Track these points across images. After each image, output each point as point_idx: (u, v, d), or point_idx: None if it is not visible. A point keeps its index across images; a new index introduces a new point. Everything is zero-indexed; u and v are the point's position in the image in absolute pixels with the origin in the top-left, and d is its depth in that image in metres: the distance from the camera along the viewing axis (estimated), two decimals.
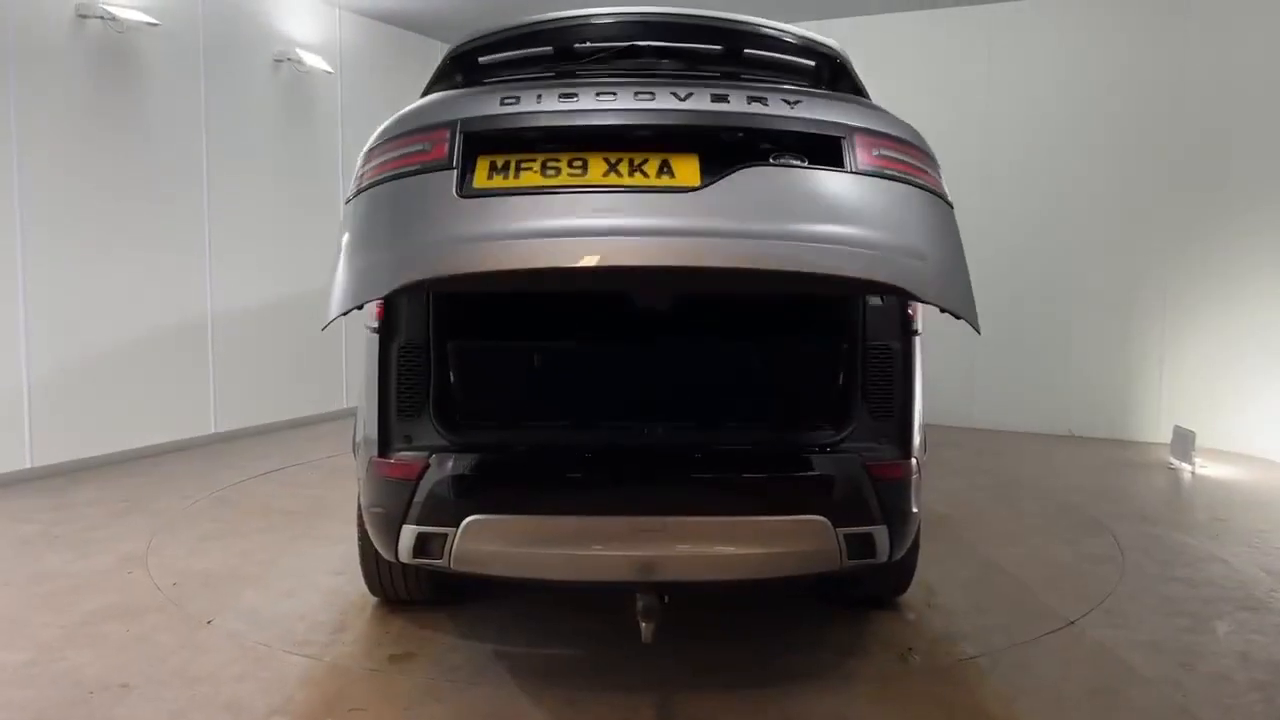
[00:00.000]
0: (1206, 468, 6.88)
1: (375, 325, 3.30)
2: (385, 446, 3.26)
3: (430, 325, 3.27)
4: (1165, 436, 7.49)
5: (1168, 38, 7.65)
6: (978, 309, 2.68)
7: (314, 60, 8.22)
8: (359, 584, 4.10)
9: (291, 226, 8.24)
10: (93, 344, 6.66)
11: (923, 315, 3.38)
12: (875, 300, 3.31)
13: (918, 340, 3.36)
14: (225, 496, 6.02)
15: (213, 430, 7.57)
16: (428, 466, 3.16)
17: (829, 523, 3.11)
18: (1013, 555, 4.95)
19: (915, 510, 3.37)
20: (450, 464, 3.16)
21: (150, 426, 7.07)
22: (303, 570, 4.65)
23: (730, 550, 3.13)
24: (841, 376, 3.38)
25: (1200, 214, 7.59)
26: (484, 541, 3.12)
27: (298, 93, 8.31)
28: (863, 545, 3.19)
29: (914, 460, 3.33)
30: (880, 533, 3.21)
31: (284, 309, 8.13)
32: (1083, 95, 7.97)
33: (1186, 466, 6.89)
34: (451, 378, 3.34)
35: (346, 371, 8.66)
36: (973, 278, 2.75)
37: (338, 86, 8.68)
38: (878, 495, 3.20)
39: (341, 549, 4.64)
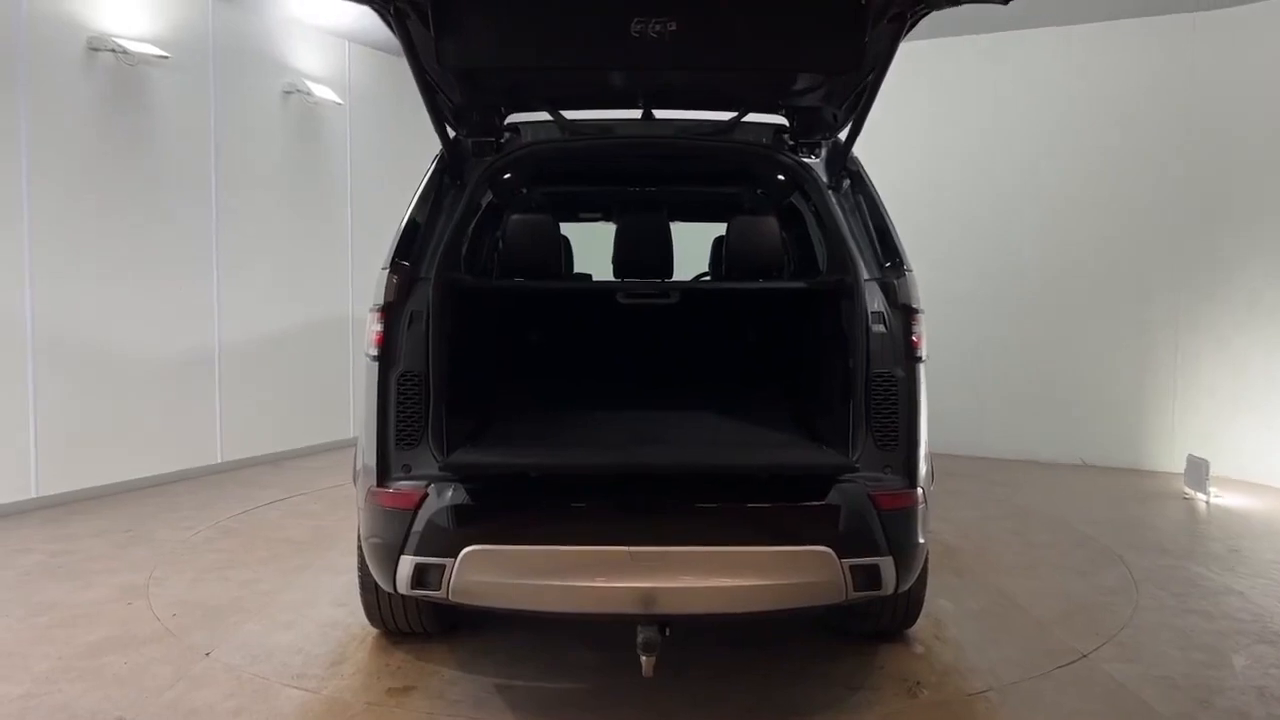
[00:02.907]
0: (1222, 497, 6.77)
1: (374, 353, 3.28)
2: (384, 476, 3.23)
3: (429, 354, 3.24)
4: (1179, 466, 7.39)
5: (1175, 59, 7.64)
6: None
7: (323, 92, 8.28)
8: (360, 616, 4.06)
9: (300, 256, 8.27)
10: (99, 372, 6.66)
11: (927, 343, 3.34)
12: (879, 327, 3.27)
13: (922, 368, 3.32)
14: (229, 526, 5.99)
15: (219, 460, 7.55)
16: (426, 496, 3.13)
17: (834, 554, 3.06)
18: (1024, 587, 4.86)
19: (922, 541, 3.31)
20: (449, 494, 3.13)
21: (156, 456, 7.05)
22: (304, 601, 4.60)
23: (732, 582, 3.07)
24: (845, 405, 3.33)
25: (1212, 238, 7.54)
26: (482, 572, 3.07)
27: (307, 124, 8.36)
28: (869, 577, 3.13)
29: (920, 490, 3.28)
30: (886, 564, 3.15)
31: (291, 338, 8.15)
32: (1091, 119, 7.96)
33: (1201, 496, 6.79)
34: (449, 407, 3.31)
35: (354, 399, 8.65)
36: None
37: (347, 118, 8.73)
38: (884, 526, 3.15)
39: (343, 580, 4.59)
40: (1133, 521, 6.30)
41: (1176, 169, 7.65)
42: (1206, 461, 6.85)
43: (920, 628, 4.11)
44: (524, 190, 4.89)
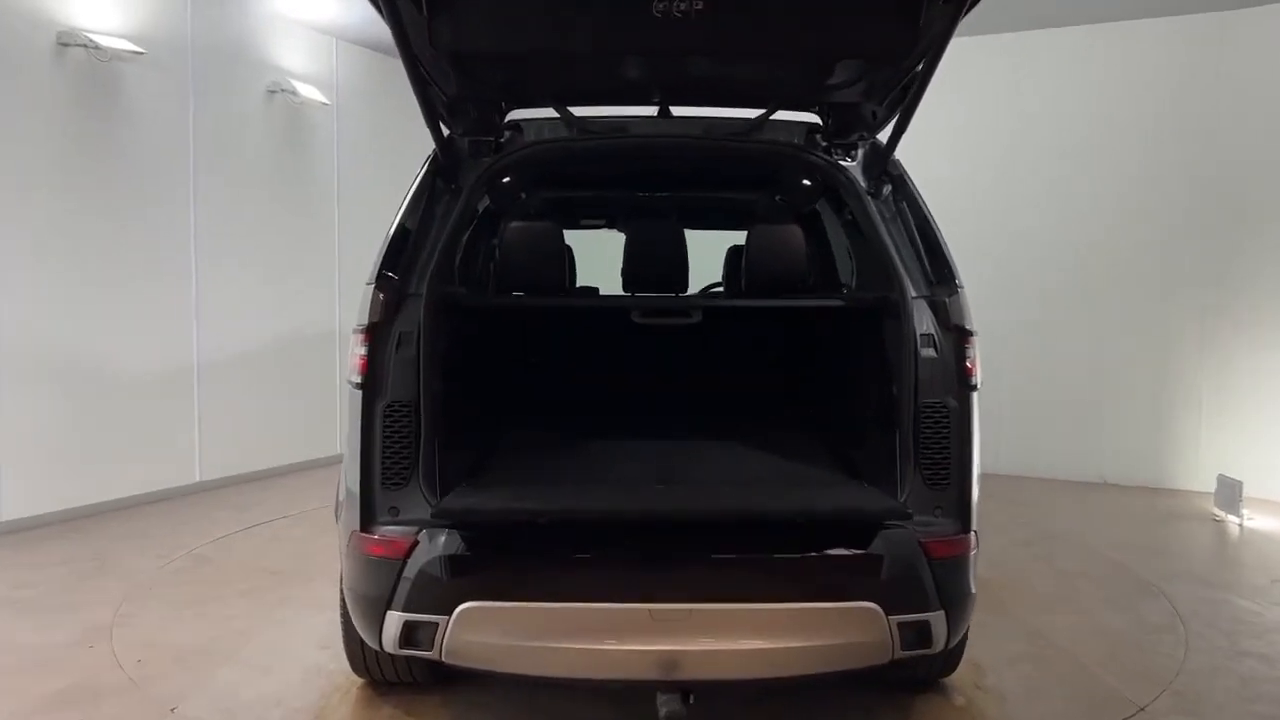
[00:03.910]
0: (1254, 519, 6.45)
1: (358, 380, 2.91)
2: (368, 520, 2.86)
3: (420, 381, 2.87)
4: (1205, 484, 7.09)
5: (1201, 66, 7.31)
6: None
7: (309, 91, 7.90)
8: (344, 661, 3.67)
9: (285, 264, 7.88)
10: (68, 387, 6.27)
11: (981, 369, 2.98)
12: (929, 351, 2.91)
13: (976, 397, 2.96)
14: (205, 554, 5.60)
15: (197, 479, 7.16)
16: (416, 544, 2.76)
17: (880, 610, 2.69)
18: (1063, 625, 4.51)
19: (974, 591, 2.96)
20: (442, 541, 2.76)
21: (130, 476, 6.66)
22: (283, 643, 4.22)
23: (765, 644, 2.71)
24: (889, 438, 2.97)
25: (1240, 244, 7.23)
26: (480, 632, 2.71)
27: (292, 125, 7.98)
28: (918, 634, 2.78)
29: (974, 534, 2.92)
30: (938, 620, 2.80)
31: (276, 349, 7.75)
32: (1114, 122, 7.63)
33: (1233, 518, 6.46)
34: (443, 441, 2.93)
35: (341, 414, 8.25)
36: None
37: (334, 118, 8.35)
38: (935, 577, 2.79)
39: (328, 616, 4.20)
40: (1165, 547, 5.97)
41: (1203, 172, 7.32)
42: (1239, 482, 6.52)
43: (959, 675, 3.76)
44: (524, 195, 4.51)
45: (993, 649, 4.12)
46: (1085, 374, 7.79)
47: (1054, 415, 7.87)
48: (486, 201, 4.13)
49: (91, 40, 6.16)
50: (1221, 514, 6.58)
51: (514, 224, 3.79)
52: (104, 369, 6.48)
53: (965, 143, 7.99)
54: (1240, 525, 6.37)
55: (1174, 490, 7.42)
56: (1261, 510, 6.64)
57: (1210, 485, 6.93)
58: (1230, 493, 6.54)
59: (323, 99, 8.07)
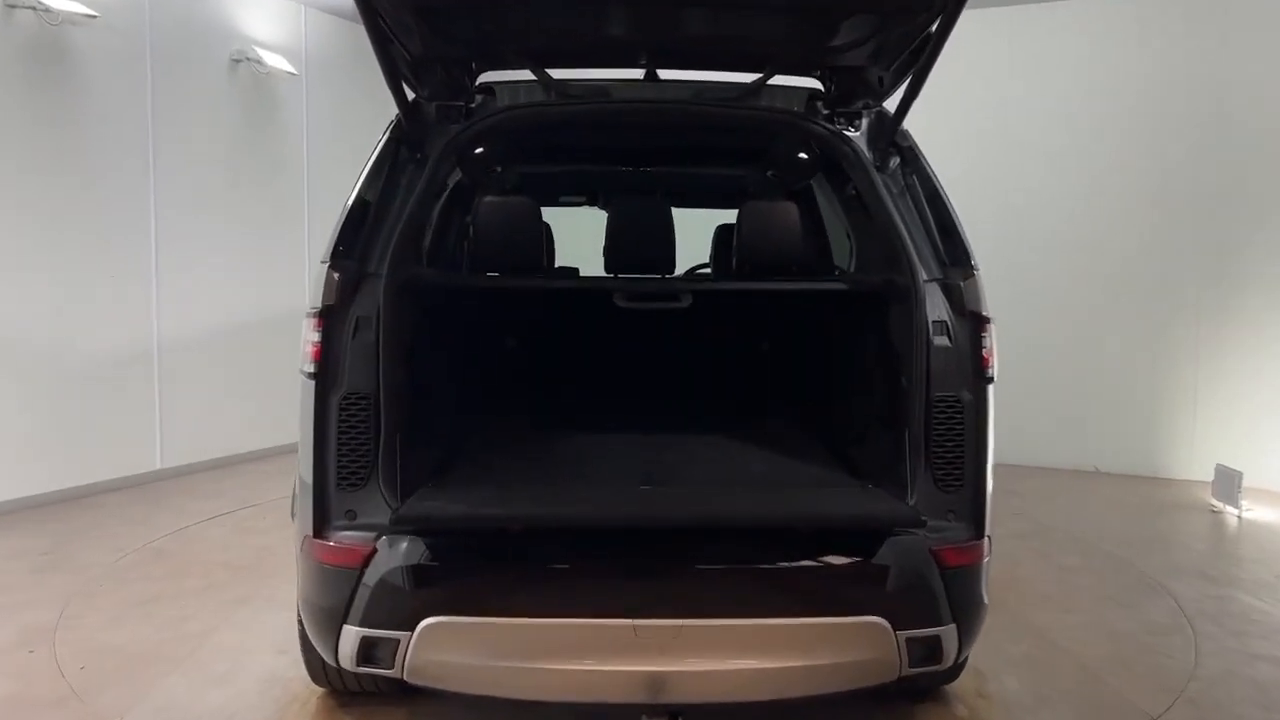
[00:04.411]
0: (1253, 510, 6.27)
1: (311, 369, 2.62)
2: (321, 524, 2.58)
3: (380, 371, 2.58)
4: (1199, 473, 6.92)
5: (1203, 41, 7.07)
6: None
7: (276, 61, 7.53)
8: (304, 668, 3.40)
9: (251, 242, 7.52)
10: (19, 371, 5.93)
11: (998, 360, 2.73)
12: (942, 339, 2.66)
13: (992, 390, 2.71)
14: (162, 547, 5.30)
15: (158, 466, 6.84)
16: (374, 552, 2.49)
17: (888, 625, 2.45)
18: (1065, 625, 4.30)
19: (987, 601, 2.72)
20: (404, 549, 2.48)
21: (87, 463, 6.33)
22: (240, 647, 3.95)
23: (761, 663, 2.46)
24: (897, 434, 2.72)
25: (1238, 231, 7.01)
26: (446, 650, 2.45)
27: (258, 96, 7.61)
28: (927, 650, 2.55)
29: (987, 539, 2.68)
30: (949, 634, 2.57)
31: (241, 331, 7.41)
32: (1110, 107, 7.38)
33: (1232, 509, 6.28)
34: (406, 437, 2.65)
35: None
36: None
37: (303, 90, 7.98)
38: (947, 588, 2.54)
39: (288, 616, 3.87)
40: (1164, 540, 5.78)
41: (1202, 157, 7.09)
42: (1239, 473, 6.33)
43: (960, 682, 3.53)
44: (499, 169, 4.22)
45: (994, 651, 3.90)
46: (1077, 360, 7.58)
47: (1046, 403, 7.64)
48: (458, 175, 3.83)
49: (40, 2, 5.79)
50: (1219, 505, 6.39)
51: (488, 199, 3.50)
52: (57, 351, 6.14)
53: (950, 128, 7.71)
54: (1239, 516, 6.19)
55: (1168, 480, 7.24)
56: (1260, 500, 6.46)
57: (1205, 474, 6.75)
58: (1229, 483, 6.35)
59: (290, 69, 7.69)
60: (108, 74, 6.36)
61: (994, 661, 3.82)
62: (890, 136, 2.96)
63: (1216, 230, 7.09)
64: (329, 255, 2.68)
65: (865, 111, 3.03)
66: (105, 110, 6.36)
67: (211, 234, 7.18)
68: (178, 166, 6.87)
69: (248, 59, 7.37)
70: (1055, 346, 7.61)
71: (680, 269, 4.11)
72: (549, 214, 3.95)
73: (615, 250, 3.44)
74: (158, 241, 6.76)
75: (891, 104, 3.03)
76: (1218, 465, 6.58)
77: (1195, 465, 7.09)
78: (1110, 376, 7.51)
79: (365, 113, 8.04)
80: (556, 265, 4.31)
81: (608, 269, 3.50)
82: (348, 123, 8.24)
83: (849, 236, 3.61)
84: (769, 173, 4.30)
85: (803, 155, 3.69)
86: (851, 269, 3.55)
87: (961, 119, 7.64)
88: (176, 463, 6.94)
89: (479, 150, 3.55)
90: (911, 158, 2.97)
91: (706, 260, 4.61)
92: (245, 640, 4.03)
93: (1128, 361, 7.45)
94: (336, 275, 2.64)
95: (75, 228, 6.21)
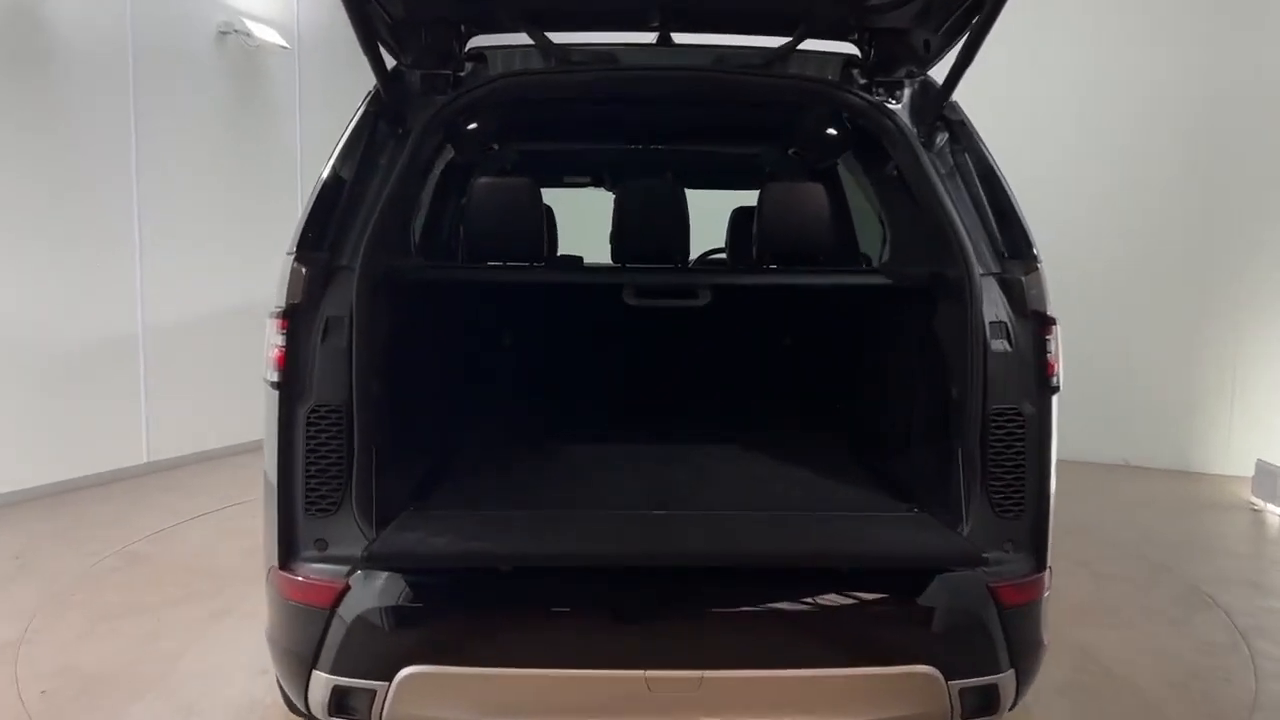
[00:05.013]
0: None
1: (274, 378, 2.28)
2: (289, 554, 2.25)
3: (353, 379, 2.24)
4: (1236, 468, 6.62)
5: (1240, 30, 6.69)
6: None
7: (266, 33, 7.17)
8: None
9: (239, 224, 7.18)
10: None
11: (1063, 366, 2.38)
12: (1001, 343, 2.30)
13: (1056, 401, 2.37)
14: (141, 551, 4.99)
15: (145, 460, 6.54)
16: (347, 589, 2.16)
17: (938, 674, 2.12)
18: (1112, 642, 3.97)
19: (1047, 641, 2.39)
20: (380, 587, 2.15)
21: (68, 458, 6.03)
22: (215, 668, 3.63)
23: None
24: (945, 452, 2.37)
25: (1276, 223, 6.65)
26: (430, 704, 2.13)
27: (247, 71, 7.24)
28: (983, 700, 2.23)
29: (1049, 571, 2.35)
30: (1006, 681, 2.25)
31: (230, 319, 7.06)
32: (1148, 93, 7.00)
33: (1274, 509, 5.95)
34: (384, 454, 2.32)
35: None
36: None
37: (295, 65, 7.61)
38: (1005, 629, 2.21)
39: None
40: (1207, 543, 5.45)
41: (1235, 146, 6.75)
42: None
43: (1005, 714, 3.19)
44: (496, 146, 3.85)
45: (1038, 675, 3.57)
46: (1109, 351, 7.21)
47: (1075, 394, 7.25)
48: (450, 154, 3.48)
49: None
50: (1260, 503, 6.07)
51: (482, 180, 3.14)
52: (36, 340, 5.82)
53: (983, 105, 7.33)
54: None
55: (1201, 475, 6.91)
56: None
57: (1242, 469, 6.45)
58: (1271, 480, 6.02)
59: (282, 42, 7.33)
60: (86, 47, 6.00)
61: (1039, 686, 3.45)
62: (937, 109, 2.59)
63: (1255, 224, 6.74)
64: (295, 246, 2.34)
65: (908, 81, 2.66)
66: (83, 85, 6.01)
67: (198, 216, 6.84)
68: (162, 145, 6.52)
69: (236, 31, 7.01)
70: (1086, 338, 7.21)
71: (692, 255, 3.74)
72: (551, 197, 3.59)
73: (623, 237, 3.08)
74: (141, 224, 6.42)
75: (937, 73, 2.66)
76: (1258, 461, 6.25)
77: (1232, 460, 6.78)
78: (1141, 366, 7.16)
79: (363, 90, 7.67)
80: (559, 254, 3.95)
81: (615, 258, 3.14)
82: (343, 100, 7.73)
83: (882, 223, 3.25)
84: (790, 151, 3.93)
85: (832, 131, 3.33)
86: (884, 259, 3.19)
87: (994, 106, 7.24)
88: (164, 456, 6.64)
89: (471, 125, 3.19)
90: (963, 134, 2.60)
91: (721, 246, 4.25)
92: (222, 660, 3.72)
93: (1161, 354, 7.10)
94: (303, 269, 2.30)
95: (52, 209, 5.86)
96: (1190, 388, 7.04)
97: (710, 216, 4.25)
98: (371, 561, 2.09)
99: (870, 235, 3.61)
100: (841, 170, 3.74)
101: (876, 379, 3.06)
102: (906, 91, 2.65)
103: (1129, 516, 5.96)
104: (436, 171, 3.47)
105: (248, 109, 7.28)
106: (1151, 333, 7.13)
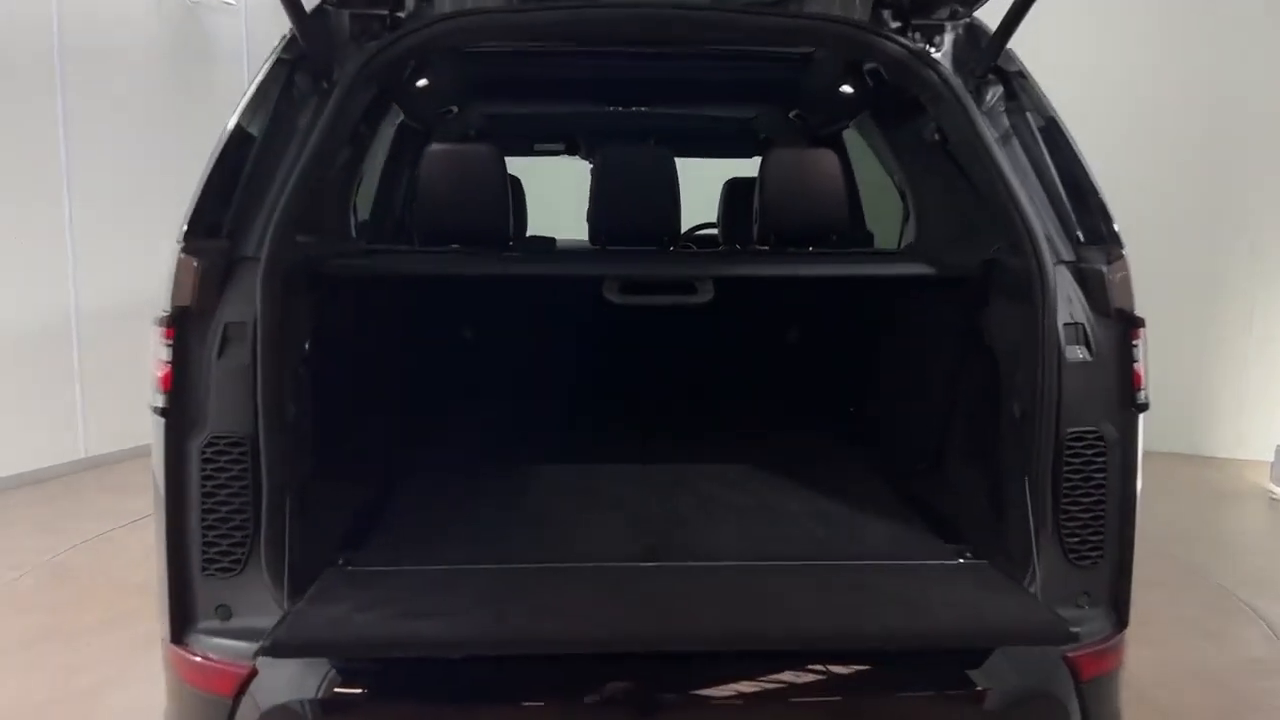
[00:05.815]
0: None
1: (160, 403, 1.79)
2: (183, 625, 1.78)
3: (260, 403, 1.75)
4: (1252, 452, 6.31)
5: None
6: None
7: None
8: None
9: (180, 198, 6.61)
10: None
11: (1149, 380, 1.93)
12: (1078, 350, 1.85)
13: (1142, 420, 1.92)
14: (68, 562, 4.52)
15: (82, 455, 6.07)
16: (253, 674, 1.69)
17: None
18: (1147, 662, 3.54)
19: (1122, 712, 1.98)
20: (295, 673, 1.68)
21: None
22: (137, 708, 3.17)
23: None
24: (1006, 483, 1.92)
25: None
26: None
27: (188, 31, 6.71)
28: None
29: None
30: None
31: None
32: (1167, 77, 6.65)
33: None
34: (304, 497, 1.84)
35: None
36: None
37: (241, 22, 7.05)
38: (1083, 707, 1.78)
39: None
40: (1232, 538, 5.16)
41: (1256, 126, 6.42)
42: None
43: None
44: (454, 107, 3.34)
45: None
46: None
47: None
48: (400, 117, 2.98)
49: None
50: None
51: (434, 147, 2.64)
52: None
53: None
54: None
55: (1212, 458, 6.58)
56: None
57: (1257, 454, 6.15)
58: None
59: (228, 0, 6.81)
60: (6, 6, 5.43)
61: None
62: (991, 59, 2.10)
63: (1273, 201, 6.44)
64: (183, 233, 1.85)
65: (950, 24, 2.17)
66: (3, 44, 5.43)
67: (134, 188, 6.30)
68: (93, 112, 6.00)
69: None
70: None
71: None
72: (519, 167, 3.09)
73: (602, 214, 2.59)
74: (71, 197, 5.89)
75: (988, 15, 2.18)
76: (1279, 447, 5.90)
77: (1247, 443, 6.46)
78: (1154, 348, 6.80)
79: None
80: (528, 234, 3.44)
81: (593, 239, 2.65)
82: None
83: (903, 197, 2.78)
84: (792, 114, 3.44)
85: (847, 89, 2.84)
86: (907, 242, 2.73)
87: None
88: (103, 450, 6.14)
89: (421, 81, 2.69)
90: (1023, 87, 2.12)
91: (711, 221, 3.78)
92: (145, 699, 3.22)
93: (1172, 332, 6.74)
94: (194, 263, 1.81)
95: None
96: (1202, 368, 6.73)
97: (692, 186, 3.81)
98: (276, 650, 1.61)
99: (879, 211, 3.15)
100: (848, 136, 3.28)
101: (903, 383, 2.60)
102: (949, 36, 2.17)
103: (1147, 506, 5.57)
104: (386, 138, 2.98)
105: (188, 69, 6.74)
106: (1162, 311, 6.76)
